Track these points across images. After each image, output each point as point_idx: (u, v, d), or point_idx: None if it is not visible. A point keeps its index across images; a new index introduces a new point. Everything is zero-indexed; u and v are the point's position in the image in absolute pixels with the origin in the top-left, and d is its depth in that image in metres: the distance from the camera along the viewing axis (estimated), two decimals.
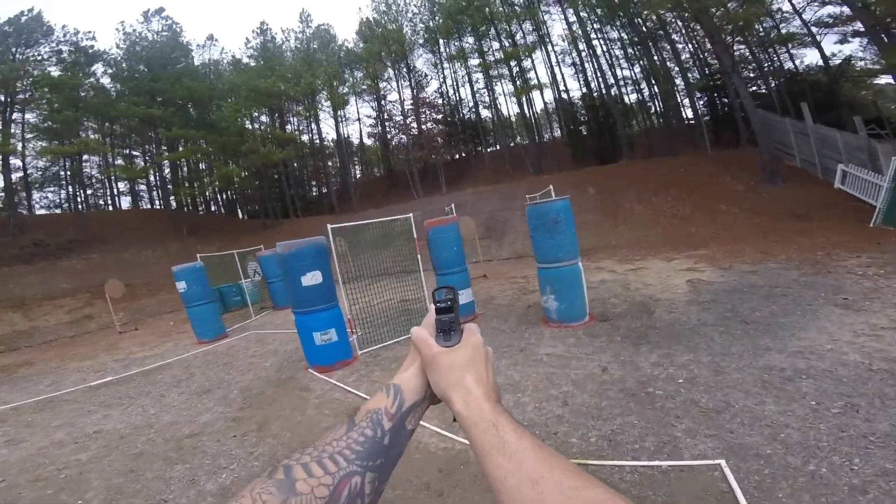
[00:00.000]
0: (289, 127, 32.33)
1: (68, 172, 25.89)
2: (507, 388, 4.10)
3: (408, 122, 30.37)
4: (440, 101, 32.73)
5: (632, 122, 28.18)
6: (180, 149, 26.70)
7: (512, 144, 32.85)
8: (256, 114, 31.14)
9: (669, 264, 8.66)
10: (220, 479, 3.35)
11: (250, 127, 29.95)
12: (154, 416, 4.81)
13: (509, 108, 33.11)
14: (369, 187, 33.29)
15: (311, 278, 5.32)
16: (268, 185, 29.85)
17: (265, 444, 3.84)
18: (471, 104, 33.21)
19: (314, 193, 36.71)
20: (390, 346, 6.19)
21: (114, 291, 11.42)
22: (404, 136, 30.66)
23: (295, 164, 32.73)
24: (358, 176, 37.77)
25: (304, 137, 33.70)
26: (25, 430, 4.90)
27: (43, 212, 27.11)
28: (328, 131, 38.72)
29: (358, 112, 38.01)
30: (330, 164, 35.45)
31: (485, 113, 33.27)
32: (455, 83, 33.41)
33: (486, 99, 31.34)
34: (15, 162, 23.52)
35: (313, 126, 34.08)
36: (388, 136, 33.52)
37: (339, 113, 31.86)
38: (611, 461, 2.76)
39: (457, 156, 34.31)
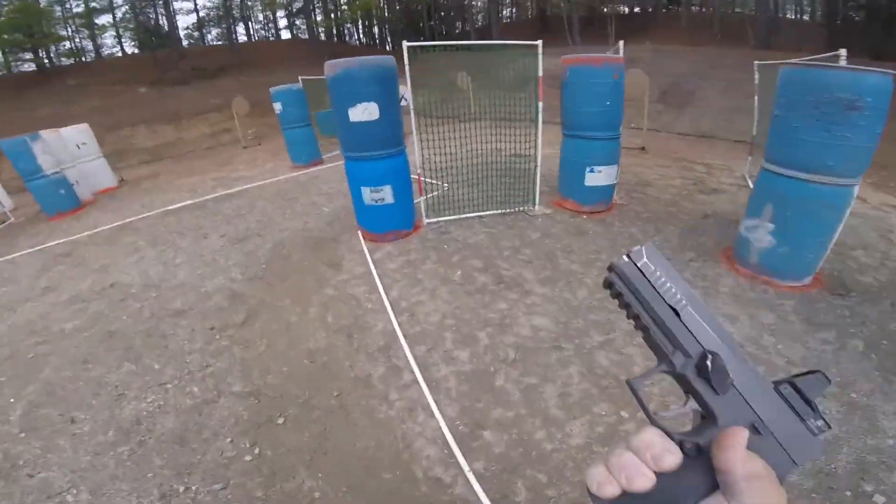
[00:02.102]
0: None
1: (224, 7, 26.71)
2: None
3: None
4: None
5: None
6: None
7: (731, 11, 23.42)
8: None
9: None
10: (142, 406, 2.59)
11: None
12: (170, 272, 4.22)
13: None
14: (515, 29, 28.26)
15: (363, 112, 3.65)
16: (409, 17, 27.43)
17: (225, 357, 2.95)
18: None
19: (457, 31, 33.32)
20: (467, 222, 4.55)
21: (240, 108, 11.68)
22: None
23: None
24: (506, 15, 32.40)
25: None
26: (66, 274, 4.59)
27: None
28: None
29: None
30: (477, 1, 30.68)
31: None
32: None
33: None
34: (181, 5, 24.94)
35: None
36: None
37: None
38: None
39: (636, 8, 26.22)
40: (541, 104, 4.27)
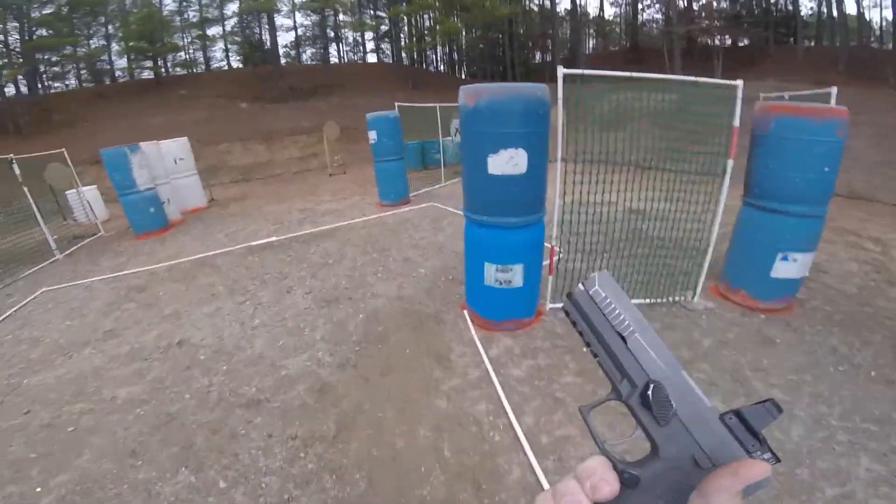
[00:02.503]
0: None
1: (320, 28, 28.38)
2: None
3: None
4: None
5: None
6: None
7: (854, 43, 20.84)
8: None
9: None
10: None
11: None
12: (247, 336, 3.72)
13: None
14: (603, 60, 27.24)
15: (507, 162, 2.81)
16: (489, 46, 27.40)
17: (313, 490, 2.26)
18: None
19: (536, 61, 32.89)
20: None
21: (331, 133, 11.79)
22: (663, 8, 22.67)
23: (521, 29, 28.90)
24: (591, 47, 31.44)
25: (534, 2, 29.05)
26: (135, 316, 4.27)
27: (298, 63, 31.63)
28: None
29: None
30: (560, 32, 30.08)
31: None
32: None
33: None
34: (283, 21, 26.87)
35: None
36: (640, 6, 25.83)
37: None
38: None
39: (741, 42, 24.19)
40: (731, 162, 3.29)
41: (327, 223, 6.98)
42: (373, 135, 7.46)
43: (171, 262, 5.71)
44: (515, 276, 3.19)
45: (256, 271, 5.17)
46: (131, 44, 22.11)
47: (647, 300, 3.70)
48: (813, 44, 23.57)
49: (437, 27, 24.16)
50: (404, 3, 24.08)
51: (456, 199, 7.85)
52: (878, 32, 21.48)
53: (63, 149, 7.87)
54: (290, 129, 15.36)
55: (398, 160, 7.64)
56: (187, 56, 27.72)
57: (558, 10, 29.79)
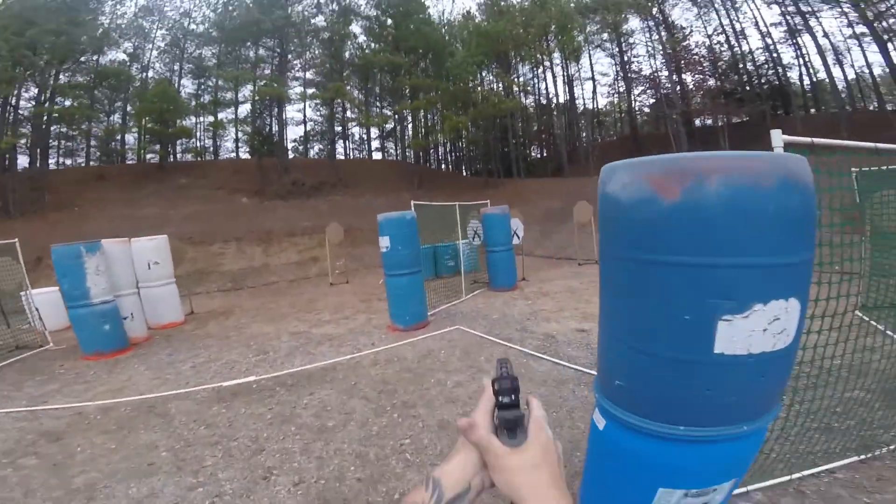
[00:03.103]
0: (515, 79, 29.61)
1: (328, 121, 29.58)
2: None
3: (662, 75, 23.37)
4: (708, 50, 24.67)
5: None
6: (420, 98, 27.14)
7: (862, 109, 21.49)
8: (485, 68, 29.48)
9: None
10: None
11: (479, 77, 28.86)
12: None
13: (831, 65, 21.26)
14: (605, 151, 27.94)
15: (767, 328, 1.17)
16: (492, 143, 28.11)
17: None
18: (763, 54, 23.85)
19: (536, 155, 33.86)
20: None
21: (333, 236, 10.65)
22: (657, 93, 23.95)
23: (520, 124, 30.16)
24: (584, 136, 32.77)
25: (530, 99, 31.35)
26: (31, 482, 2.87)
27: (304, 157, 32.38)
28: (556, 93, 34.61)
29: (592, 69, 31.80)
30: (556, 126, 31.52)
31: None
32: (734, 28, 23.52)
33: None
34: (293, 115, 27.84)
35: (542, 85, 30.77)
36: (633, 94, 27.83)
37: (570, 66, 27.20)
38: None
39: (736, 119, 25.13)
40: None
41: (325, 356, 5.27)
42: (385, 241, 5.97)
43: (108, 402, 4.25)
44: (719, 495, 1.41)
45: (221, 432, 3.43)
46: (145, 122, 22.03)
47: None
48: (811, 112, 24.04)
49: (445, 123, 24.92)
50: (410, 101, 25.11)
51: (482, 318, 6.33)
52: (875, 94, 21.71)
53: (15, 239, 6.51)
54: (290, 229, 14.34)
55: (415, 273, 6.08)
56: (198, 143, 28.17)
57: (553, 100, 31.59)
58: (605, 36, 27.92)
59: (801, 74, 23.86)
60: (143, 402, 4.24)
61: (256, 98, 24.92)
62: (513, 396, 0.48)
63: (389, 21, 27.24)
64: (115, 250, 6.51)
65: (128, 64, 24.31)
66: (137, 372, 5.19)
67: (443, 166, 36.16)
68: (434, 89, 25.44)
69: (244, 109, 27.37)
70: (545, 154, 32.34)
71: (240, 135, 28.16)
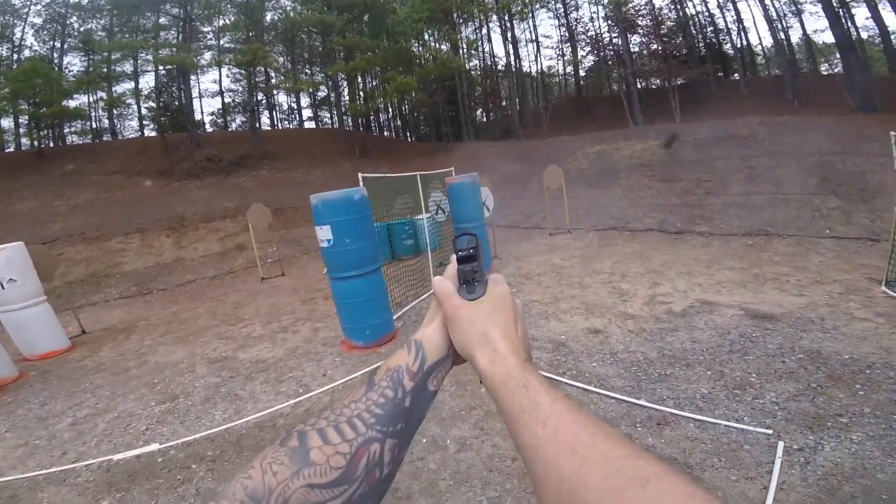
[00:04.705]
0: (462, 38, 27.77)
1: (248, 89, 25.86)
2: None
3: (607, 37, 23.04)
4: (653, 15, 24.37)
5: None
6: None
7: (803, 73, 22.15)
8: (430, 26, 27.23)
9: None
10: None
11: (424, 37, 26.73)
12: None
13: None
14: (556, 112, 27.28)
15: None
16: (440, 105, 26.35)
17: None
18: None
19: (484, 119, 32.48)
20: None
21: (258, 220, 8.70)
22: (602, 52, 23.62)
23: (465, 86, 28.48)
24: (534, 98, 31.81)
25: (475, 62, 29.80)
26: None
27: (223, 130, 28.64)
28: (502, 54, 32.88)
29: (535, 31, 30.51)
30: (504, 88, 30.29)
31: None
32: None
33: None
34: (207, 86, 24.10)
35: (486, 46, 29.36)
36: (580, 56, 27.36)
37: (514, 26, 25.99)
38: None
39: (678, 81, 25.44)
40: None
41: (259, 400, 3.80)
42: (325, 232, 4.33)
43: None
44: None
45: None
46: (4, 104, 17.59)
47: None
48: (754, 75, 24.72)
49: (388, 84, 22.64)
50: (345, 62, 22.28)
51: None
52: (821, 57, 22.58)
53: None
54: (207, 212, 11.94)
55: (372, 273, 4.55)
56: (93, 124, 23.50)
57: (498, 61, 30.22)
58: None
59: (739, 39, 24.34)
60: (2, 489, 2.82)
61: (160, 69, 20.85)
62: (471, 251, 0.48)
63: None
64: None
65: None
66: None
67: (385, 133, 33.71)
68: (373, 49, 22.95)
69: (147, 83, 23.09)
70: (492, 117, 31.11)
71: (144, 111, 23.81)
